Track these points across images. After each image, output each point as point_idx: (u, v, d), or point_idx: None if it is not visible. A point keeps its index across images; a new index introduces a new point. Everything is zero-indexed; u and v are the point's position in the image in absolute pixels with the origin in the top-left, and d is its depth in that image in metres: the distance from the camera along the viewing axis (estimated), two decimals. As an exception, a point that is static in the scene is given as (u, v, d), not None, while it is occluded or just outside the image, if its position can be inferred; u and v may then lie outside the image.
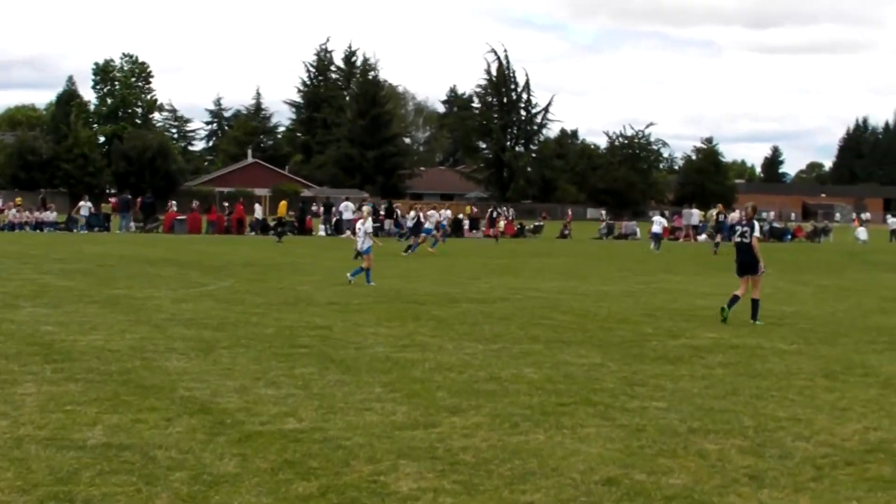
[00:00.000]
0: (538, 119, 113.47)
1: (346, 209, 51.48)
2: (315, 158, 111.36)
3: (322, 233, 51.59)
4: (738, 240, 16.26)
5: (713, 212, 51.92)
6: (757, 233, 16.18)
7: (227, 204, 56.49)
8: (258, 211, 55.20)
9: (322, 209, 55.85)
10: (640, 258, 36.24)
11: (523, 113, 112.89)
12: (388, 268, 21.81)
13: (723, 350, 12.88)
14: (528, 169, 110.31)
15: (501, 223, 54.54)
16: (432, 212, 39.42)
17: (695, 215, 55.78)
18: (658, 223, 44.11)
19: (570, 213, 64.38)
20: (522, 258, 34.33)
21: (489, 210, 58.71)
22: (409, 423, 8.33)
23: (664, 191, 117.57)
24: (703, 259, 36.13)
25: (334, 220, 52.24)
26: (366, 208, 23.50)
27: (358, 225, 22.05)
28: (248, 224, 52.07)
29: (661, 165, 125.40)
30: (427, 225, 36.25)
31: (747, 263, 16.01)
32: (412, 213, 41.64)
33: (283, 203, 46.10)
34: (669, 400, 9.56)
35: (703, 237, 53.37)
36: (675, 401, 9.52)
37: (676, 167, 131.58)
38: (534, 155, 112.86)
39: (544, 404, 9.22)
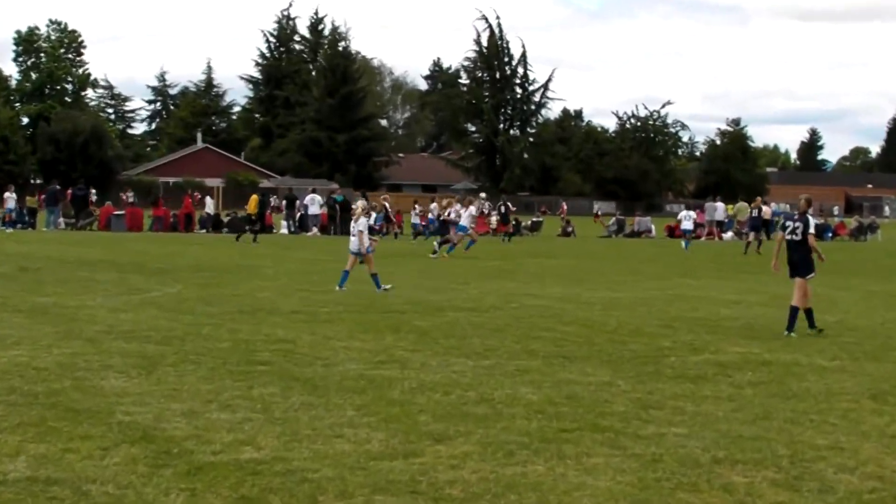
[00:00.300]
0: (536, 97, 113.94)
1: (313, 202, 51.49)
2: (276, 143, 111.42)
3: (284, 230, 51.61)
4: (789, 237, 16.36)
5: (743, 204, 51.86)
6: (812, 229, 16.30)
7: (161, 199, 56.26)
8: (209, 205, 55.13)
9: (284, 203, 55.83)
10: (653, 259, 36.34)
11: (519, 90, 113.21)
12: (362, 271, 21.82)
13: (752, 367, 12.93)
14: (525, 155, 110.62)
15: (493, 219, 54.52)
16: (470, 208, 38.27)
17: (719, 209, 55.92)
18: (688, 217, 46.04)
19: (563, 206, 64.09)
20: (519, 259, 34.38)
21: (498, 204, 58.39)
22: (386, 453, 8.34)
23: (683, 181, 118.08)
24: (728, 260, 36.25)
25: (298, 215, 52.23)
26: (360, 203, 23.78)
27: (352, 223, 22.36)
28: (197, 220, 52.05)
29: (679, 151, 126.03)
30: (462, 222, 36.02)
31: (796, 263, 16.14)
32: (433, 205, 41.62)
33: (255, 197, 45.89)
34: (690, 425, 9.58)
35: (728, 235, 53.54)
36: (696, 426, 9.54)
37: (698, 153, 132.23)
38: (531, 139, 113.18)
39: (544, 430, 9.24)
